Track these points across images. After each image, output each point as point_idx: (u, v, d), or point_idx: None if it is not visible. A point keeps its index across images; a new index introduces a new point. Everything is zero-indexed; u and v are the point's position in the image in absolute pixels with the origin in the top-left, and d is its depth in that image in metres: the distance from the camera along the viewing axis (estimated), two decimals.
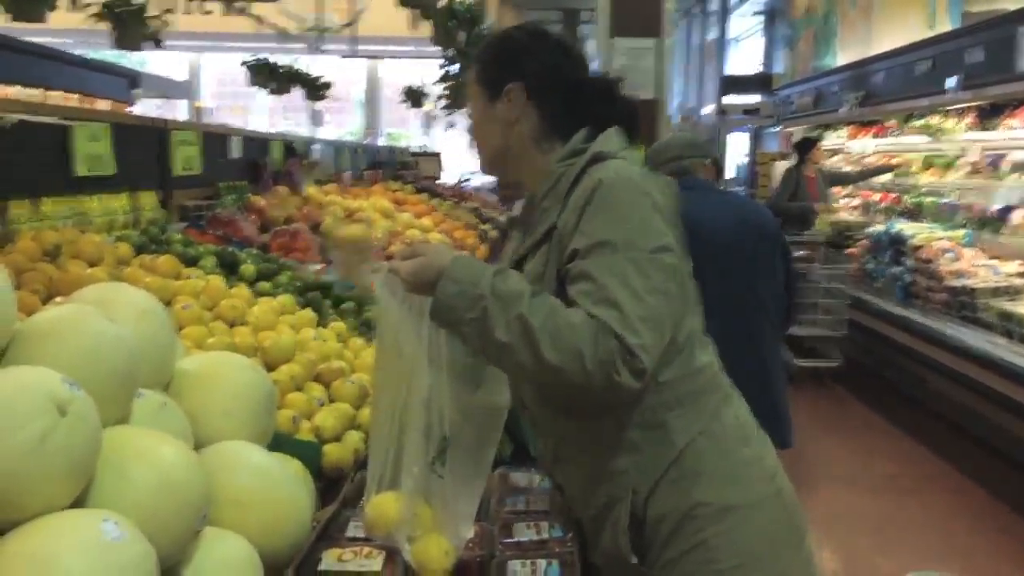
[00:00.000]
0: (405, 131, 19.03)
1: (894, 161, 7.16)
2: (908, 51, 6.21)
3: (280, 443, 1.57)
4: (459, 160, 13.93)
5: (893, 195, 7.12)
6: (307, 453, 1.61)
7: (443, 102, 8.22)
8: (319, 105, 13.84)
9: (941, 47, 5.75)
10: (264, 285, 2.54)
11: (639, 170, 1.40)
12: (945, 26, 6.37)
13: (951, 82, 5.34)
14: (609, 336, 1.22)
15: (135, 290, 1.46)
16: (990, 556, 3.73)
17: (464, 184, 9.27)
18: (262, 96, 17.58)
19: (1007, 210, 5.46)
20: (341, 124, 19.25)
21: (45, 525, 0.98)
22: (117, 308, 1.35)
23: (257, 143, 4.08)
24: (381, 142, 15.94)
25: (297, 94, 9.31)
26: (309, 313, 2.34)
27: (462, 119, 8.76)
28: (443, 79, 7.70)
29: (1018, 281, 5.11)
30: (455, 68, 7.47)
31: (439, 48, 7.24)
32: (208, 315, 2.02)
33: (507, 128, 1.49)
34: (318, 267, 3.07)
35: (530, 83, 1.47)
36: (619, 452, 1.40)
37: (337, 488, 1.67)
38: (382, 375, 1.37)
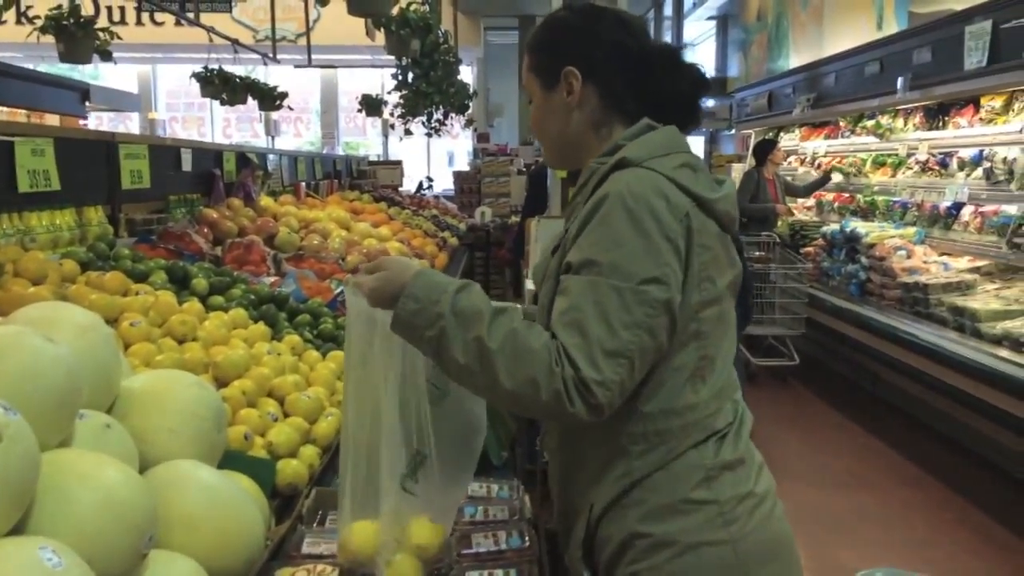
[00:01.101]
0: (363, 140, 18.90)
1: (845, 162, 7.28)
2: (857, 52, 6.31)
3: (232, 460, 1.55)
4: (419, 167, 13.89)
5: (846, 195, 7.23)
6: (260, 470, 1.58)
7: (399, 110, 8.17)
8: (275, 115, 13.72)
9: (889, 48, 5.85)
10: (216, 299, 2.50)
11: (662, 183, 1.29)
12: (892, 27, 6.48)
13: (900, 82, 5.43)
14: (566, 366, 1.18)
15: (76, 308, 1.43)
16: (949, 546, 3.78)
17: (424, 192, 9.25)
18: (217, 107, 17.39)
19: (957, 207, 5.56)
20: (298, 134, 19.07)
21: None
22: (57, 327, 1.32)
23: (210, 155, 4.03)
24: (339, 152, 15.84)
25: (252, 105, 9.22)
26: (262, 327, 2.31)
27: (419, 127, 8.75)
28: (398, 87, 7.66)
29: (969, 276, 5.21)
30: (410, 76, 7.45)
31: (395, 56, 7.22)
32: (157, 332, 1.98)
33: (568, 115, 1.42)
34: (272, 279, 3.04)
35: (585, 65, 1.39)
36: (586, 470, 1.37)
37: (293, 504, 1.65)
38: (351, 389, 1.35)
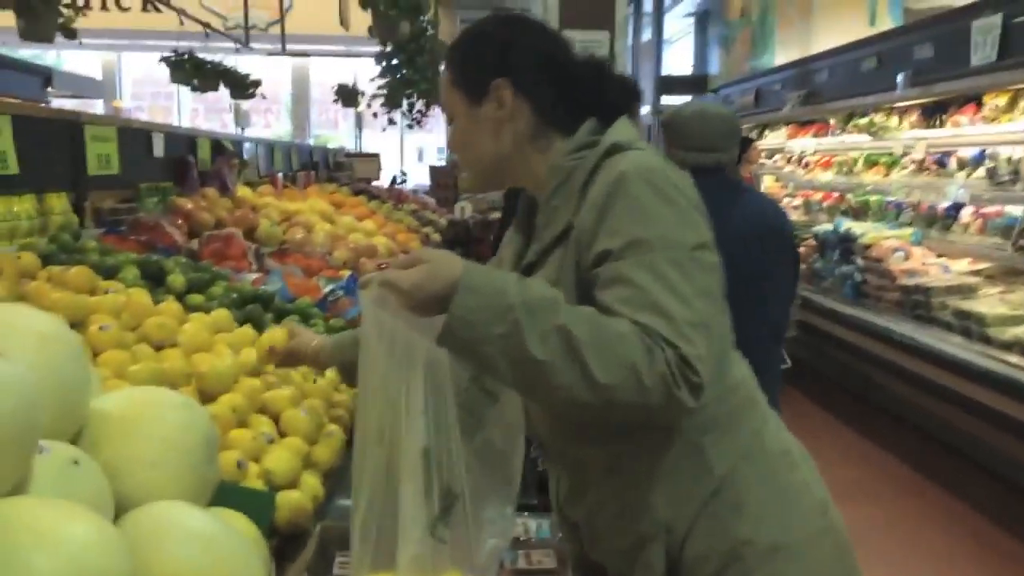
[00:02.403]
0: (335, 133, 18.55)
1: (836, 161, 7.13)
2: (853, 48, 6.15)
3: (224, 495, 1.29)
4: (395, 161, 13.57)
5: (836, 194, 7.08)
6: (258, 505, 1.32)
7: (379, 100, 7.88)
8: (245, 106, 13.34)
9: (888, 43, 5.70)
10: (195, 298, 2.23)
11: (662, 160, 1.23)
12: (886, 23, 6.34)
13: (900, 78, 5.27)
14: (663, 346, 1.03)
15: (35, 312, 1.17)
16: (956, 558, 3.62)
17: (399, 185, 8.97)
18: (185, 96, 16.94)
19: (956, 208, 5.41)
20: (268, 126, 18.67)
21: None
22: (11, 336, 1.06)
23: (182, 141, 3.74)
24: (310, 144, 15.49)
25: (221, 94, 8.88)
26: (249, 330, 2.05)
27: (399, 117, 8.46)
28: (383, 74, 7.36)
29: (971, 279, 5.06)
30: (394, 63, 7.16)
31: (372, 46, 6.93)
32: (131, 336, 1.72)
33: (498, 131, 1.30)
34: (255, 276, 2.77)
35: (517, 76, 1.29)
36: (651, 483, 1.20)
37: (294, 545, 1.40)
38: (367, 421, 1.11)
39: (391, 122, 8.14)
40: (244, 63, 10.10)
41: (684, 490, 1.19)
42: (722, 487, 1.19)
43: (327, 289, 2.71)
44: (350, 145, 15.53)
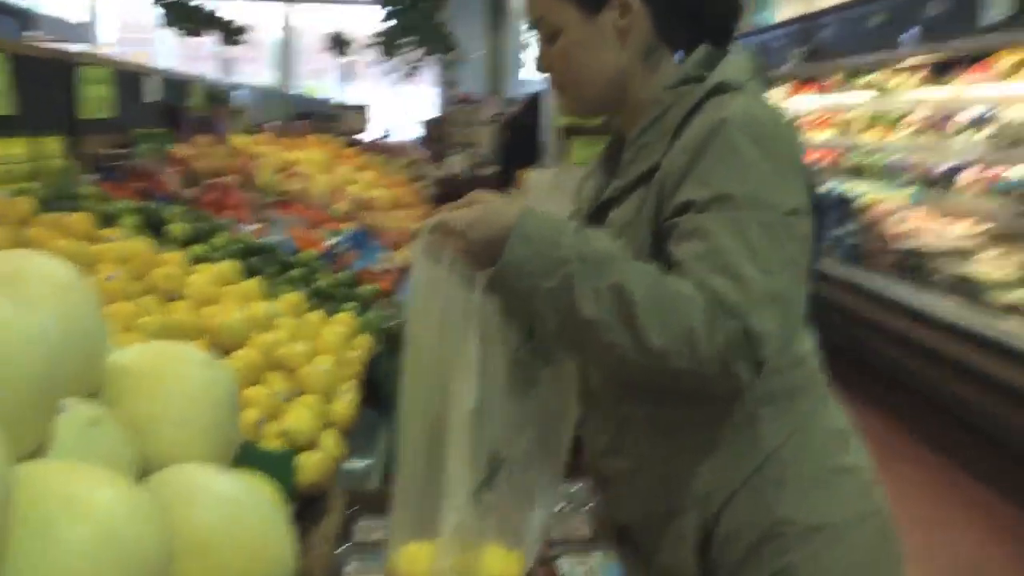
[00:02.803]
0: (321, 83, 18.23)
1: (837, 119, 7.05)
2: (861, 3, 6.03)
3: (244, 456, 1.23)
4: (384, 113, 13.36)
5: (836, 152, 7.00)
6: (279, 467, 1.26)
7: (373, 49, 7.69)
8: (230, 53, 13.04)
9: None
10: (197, 249, 2.15)
11: (773, 109, 1.12)
12: None
13: (908, 35, 5.17)
14: (729, 315, 0.95)
15: (47, 259, 1.09)
16: (951, 525, 3.63)
17: (386, 138, 8.81)
18: (167, 42, 16.55)
19: (955, 170, 5.36)
20: (253, 74, 18.31)
21: None
22: (26, 285, 0.99)
23: (175, 86, 3.62)
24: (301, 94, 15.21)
25: (203, 41, 8.65)
26: (257, 283, 1.97)
27: (396, 67, 8.26)
28: (388, 17, 7.12)
29: (971, 242, 5.04)
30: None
31: None
32: (138, 287, 1.64)
33: (621, 43, 1.17)
34: (256, 227, 2.69)
35: None
36: (696, 450, 1.14)
37: (315, 510, 1.34)
38: (415, 376, 1.04)
39: (391, 72, 7.93)
40: (227, 9, 9.84)
41: (730, 461, 1.13)
42: (768, 462, 1.13)
43: (332, 241, 2.63)
44: (335, 96, 15.29)
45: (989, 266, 4.69)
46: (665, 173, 1.09)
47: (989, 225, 5.10)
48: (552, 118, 4.29)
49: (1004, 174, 4.88)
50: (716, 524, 1.13)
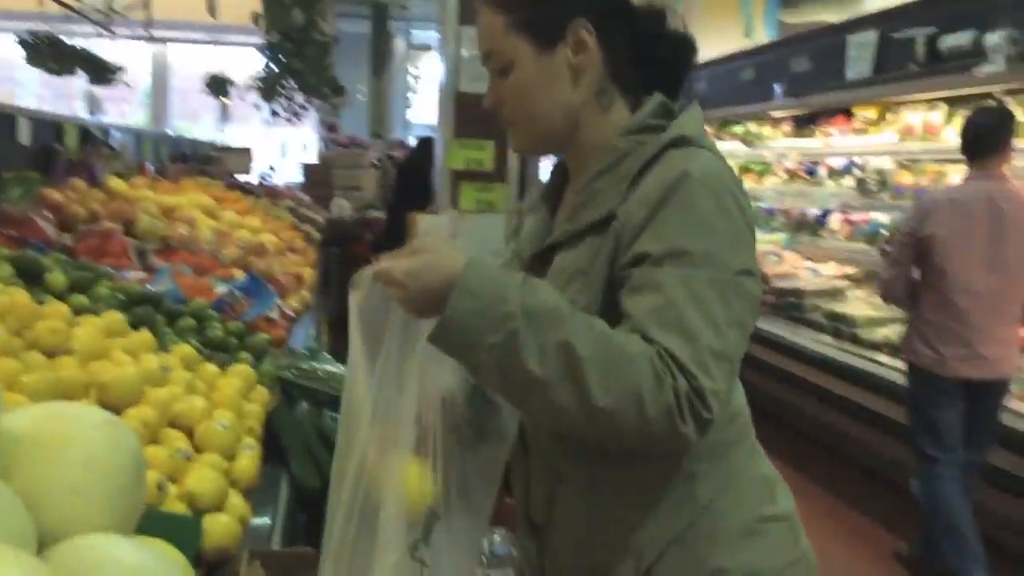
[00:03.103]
0: (195, 125, 17.71)
1: None
2: (732, 59, 6.34)
3: (147, 521, 1.15)
4: (260, 156, 13.06)
5: None
6: (183, 532, 1.19)
7: (253, 91, 7.54)
8: (99, 92, 12.53)
9: (765, 56, 5.91)
10: (78, 299, 2.02)
11: (729, 168, 1.12)
12: (761, 35, 6.58)
13: (777, 89, 5.47)
14: (677, 374, 0.95)
15: None
16: (835, 555, 3.76)
17: (267, 180, 8.63)
18: (31, 80, 15.77)
19: (825, 214, 5.67)
20: (122, 115, 17.64)
21: None
22: None
23: (49, 127, 3.44)
24: (180, 134, 14.75)
25: (70, 80, 8.28)
26: (146, 335, 1.87)
27: (278, 109, 8.11)
28: (267, 64, 7.00)
29: (840, 283, 5.32)
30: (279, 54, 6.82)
31: (242, 35, 6.64)
32: (18, 342, 1.53)
33: (574, 81, 1.16)
34: (139, 275, 2.56)
35: (596, 16, 1.15)
36: (631, 505, 1.13)
37: (219, 573, 1.26)
38: (350, 430, 1.00)
39: (275, 114, 7.80)
40: (99, 49, 9.48)
41: (664, 516, 1.13)
42: (701, 516, 1.13)
43: (222, 289, 2.53)
44: (212, 137, 14.89)
45: (857, 306, 4.96)
46: (622, 224, 1.08)
47: (854, 269, 5.41)
48: (444, 162, 4.29)
49: (869, 219, 5.20)
50: (650, 574, 1.13)
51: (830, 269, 5.60)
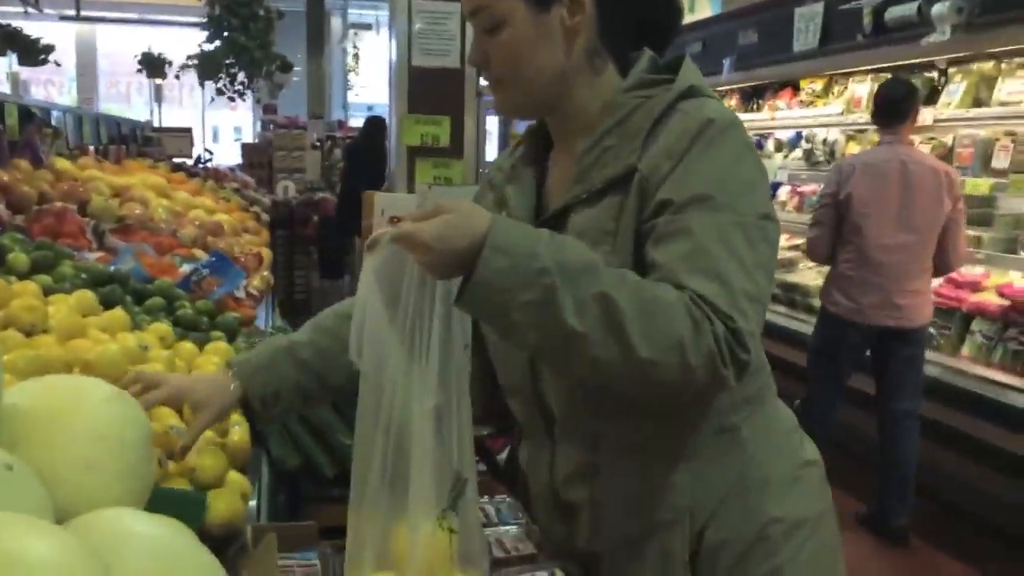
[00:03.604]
0: (125, 107, 17.21)
1: None
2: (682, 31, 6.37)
3: (153, 499, 1.11)
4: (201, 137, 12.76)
5: None
6: (190, 508, 1.15)
7: (190, 71, 7.33)
8: (23, 75, 12.07)
9: (713, 29, 5.95)
10: (43, 279, 1.95)
11: (738, 117, 1.12)
12: (705, 9, 6.62)
13: (726, 63, 5.52)
14: (714, 318, 0.94)
15: None
16: None
17: (207, 163, 8.44)
18: None
19: (774, 187, 5.75)
20: (48, 98, 17.05)
21: None
22: None
23: None
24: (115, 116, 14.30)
25: None
26: (120, 313, 1.81)
27: (218, 89, 7.90)
28: (210, 39, 6.79)
29: (791, 254, 5.41)
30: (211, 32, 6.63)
31: (171, 14, 6.45)
32: None
33: (568, 42, 1.13)
34: (98, 255, 2.48)
35: None
36: (676, 463, 1.12)
37: (223, 549, 1.23)
38: (369, 401, 0.97)
39: (220, 92, 7.58)
40: (26, 27, 9.13)
41: (712, 470, 1.12)
42: (750, 465, 1.14)
43: (187, 268, 2.46)
44: (145, 118, 14.50)
45: (809, 275, 5.06)
46: (645, 178, 1.07)
47: (804, 240, 5.50)
48: (397, 139, 4.23)
49: (817, 190, 5.29)
50: (701, 537, 1.12)
51: (782, 241, 5.67)
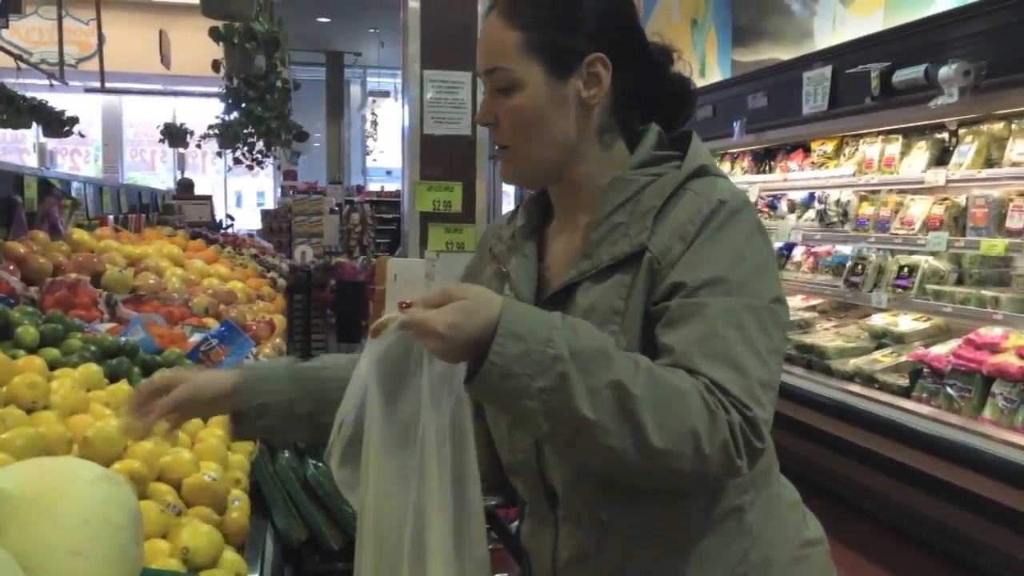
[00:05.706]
0: (151, 175, 17.56)
1: None
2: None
3: None
4: (222, 204, 12.99)
5: None
6: None
7: (211, 140, 7.49)
8: (50, 145, 12.38)
9: (722, 93, 6.01)
10: (51, 352, 1.96)
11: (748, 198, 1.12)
12: (715, 75, 6.69)
13: (736, 126, 5.56)
14: (729, 407, 0.92)
15: None
16: None
17: (228, 229, 8.55)
18: None
19: (789, 247, 5.74)
20: (75, 167, 17.43)
21: None
22: None
23: (8, 178, 3.36)
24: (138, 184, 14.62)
25: (21, 135, 8.19)
26: (124, 386, 1.82)
27: (238, 158, 8.06)
28: (227, 111, 6.96)
29: (807, 314, 5.37)
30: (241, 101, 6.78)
31: (195, 85, 6.62)
32: None
33: (583, 115, 1.13)
34: (109, 326, 2.50)
35: (614, 53, 1.12)
36: (684, 548, 1.09)
37: None
38: (377, 482, 0.95)
39: (237, 161, 7.74)
40: (52, 100, 9.39)
41: (718, 554, 1.10)
42: (754, 546, 1.11)
43: (197, 338, 2.47)
44: (170, 186, 14.76)
45: (826, 337, 5.00)
46: (657, 258, 1.06)
47: (820, 300, 5.47)
48: (411, 205, 4.28)
49: (832, 250, 5.27)
50: None
51: (797, 301, 5.65)
